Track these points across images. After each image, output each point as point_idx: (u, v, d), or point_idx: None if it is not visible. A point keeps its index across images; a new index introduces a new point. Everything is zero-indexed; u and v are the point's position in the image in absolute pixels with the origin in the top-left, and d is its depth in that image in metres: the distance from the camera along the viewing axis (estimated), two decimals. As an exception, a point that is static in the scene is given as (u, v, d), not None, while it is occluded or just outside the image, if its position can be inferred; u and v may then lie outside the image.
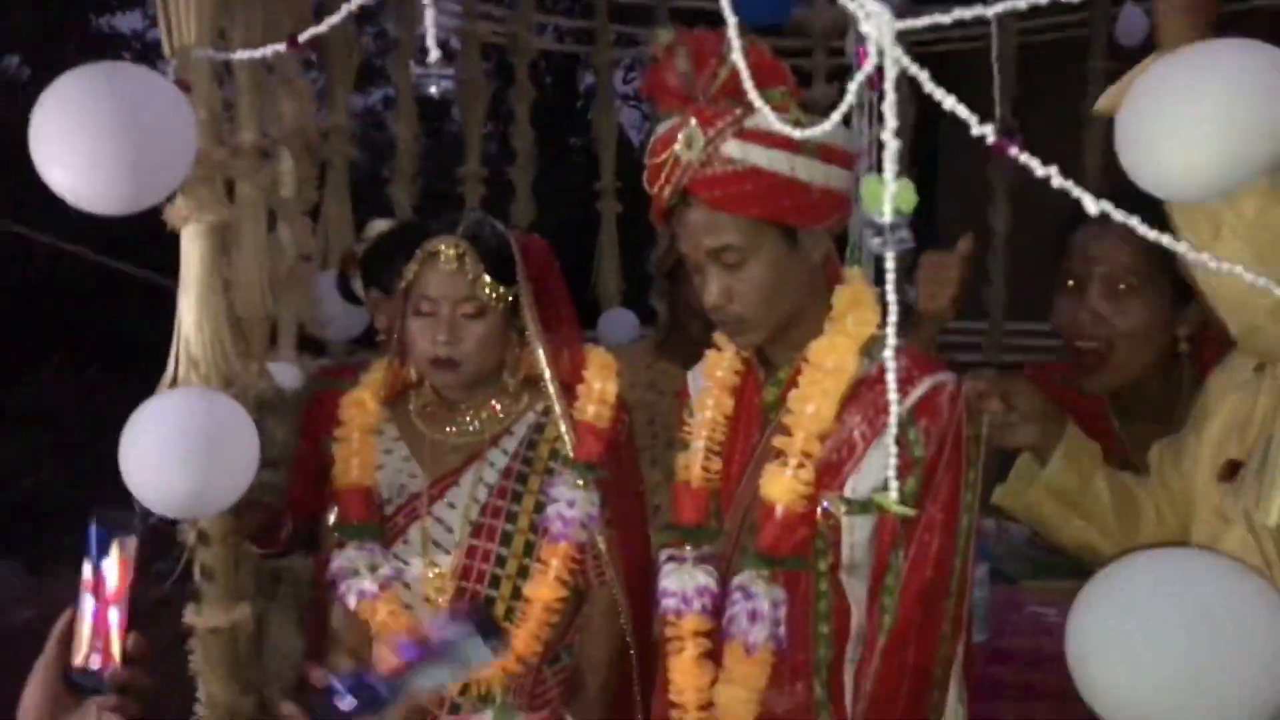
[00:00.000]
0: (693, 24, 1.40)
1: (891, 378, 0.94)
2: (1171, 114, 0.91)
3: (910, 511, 1.27)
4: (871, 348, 1.42)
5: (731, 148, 1.34)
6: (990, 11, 0.91)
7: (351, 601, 1.60)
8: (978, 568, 2.16)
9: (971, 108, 0.88)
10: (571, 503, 1.62)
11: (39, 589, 5.20)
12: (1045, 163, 0.85)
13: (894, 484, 0.98)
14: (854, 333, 1.42)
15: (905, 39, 0.85)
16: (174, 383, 1.53)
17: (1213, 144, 0.91)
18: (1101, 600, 0.93)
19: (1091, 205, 0.87)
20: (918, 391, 1.37)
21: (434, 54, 1.07)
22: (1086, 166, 3.95)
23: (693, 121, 1.35)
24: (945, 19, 0.92)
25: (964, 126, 0.87)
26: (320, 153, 2.86)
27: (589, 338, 3.96)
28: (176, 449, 1.38)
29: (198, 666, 1.60)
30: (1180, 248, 0.90)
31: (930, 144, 5.04)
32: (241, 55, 1.55)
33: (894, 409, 0.97)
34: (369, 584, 1.60)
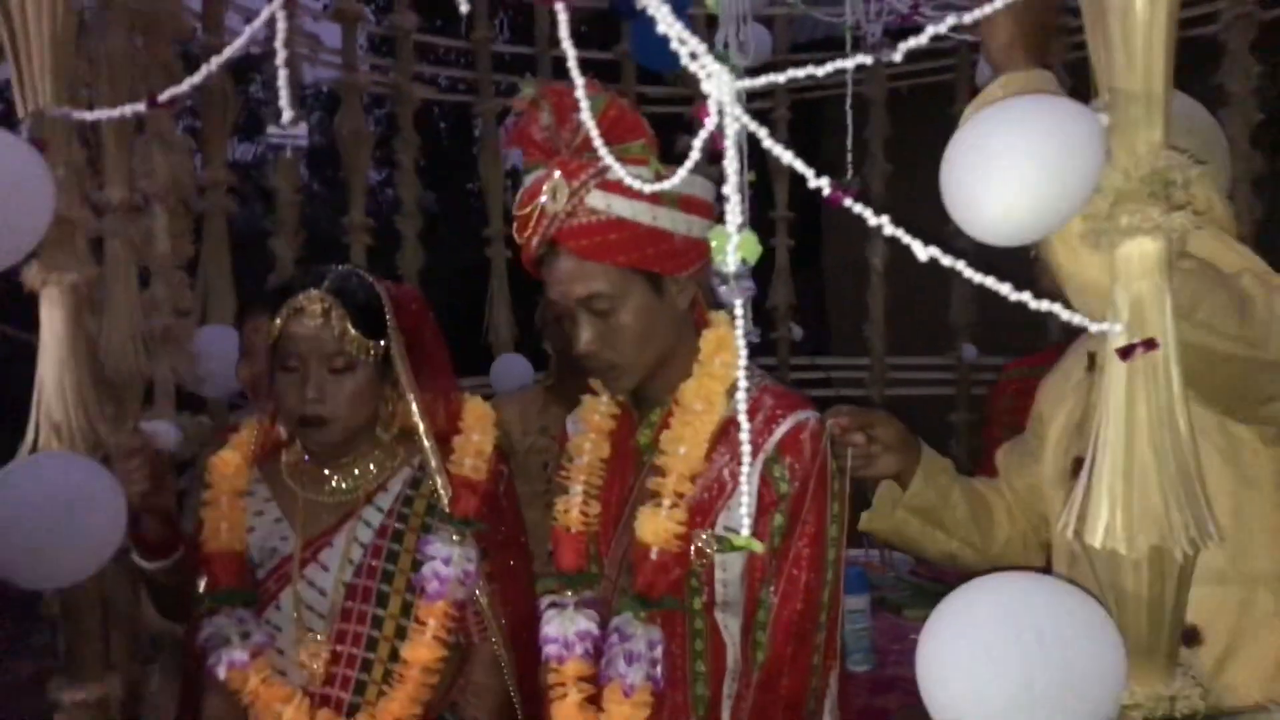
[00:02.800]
0: (580, 73, 1.43)
1: (744, 420, 0.97)
2: (984, 168, 0.98)
3: (758, 546, 1.30)
4: (737, 387, 1.46)
5: (595, 199, 1.38)
6: (849, 64, 0.96)
7: (221, 672, 1.55)
8: (860, 598, 2.24)
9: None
10: (448, 560, 1.60)
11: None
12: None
13: (746, 521, 1.01)
14: (720, 374, 1.46)
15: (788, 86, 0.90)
16: (34, 448, 1.48)
17: (1028, 193, 0.97)
18: (946, 625, 0.98)
19: (920, 252, 0.93)
20: (782, 429, 1.42)
21: (287, 115, 1.08)
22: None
23: (557, 174, 1.39)
24: (779, 78, 0.98)
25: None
26: (197, 206, 2.83)
27: (482, 384, 4.00)
28: (36, 517, 1.34)
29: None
30: (1004, 290, 0.95)
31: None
32: (98, 115, 1.52)
33: (745, 450, 1.00)
34: (239, 653, 1.55)
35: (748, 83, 0.95)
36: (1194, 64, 3.75)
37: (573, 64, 1.00)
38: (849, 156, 2.55)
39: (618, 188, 1.38)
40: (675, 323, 1.47)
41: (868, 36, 2.73)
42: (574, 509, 1.52)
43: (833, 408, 1.50)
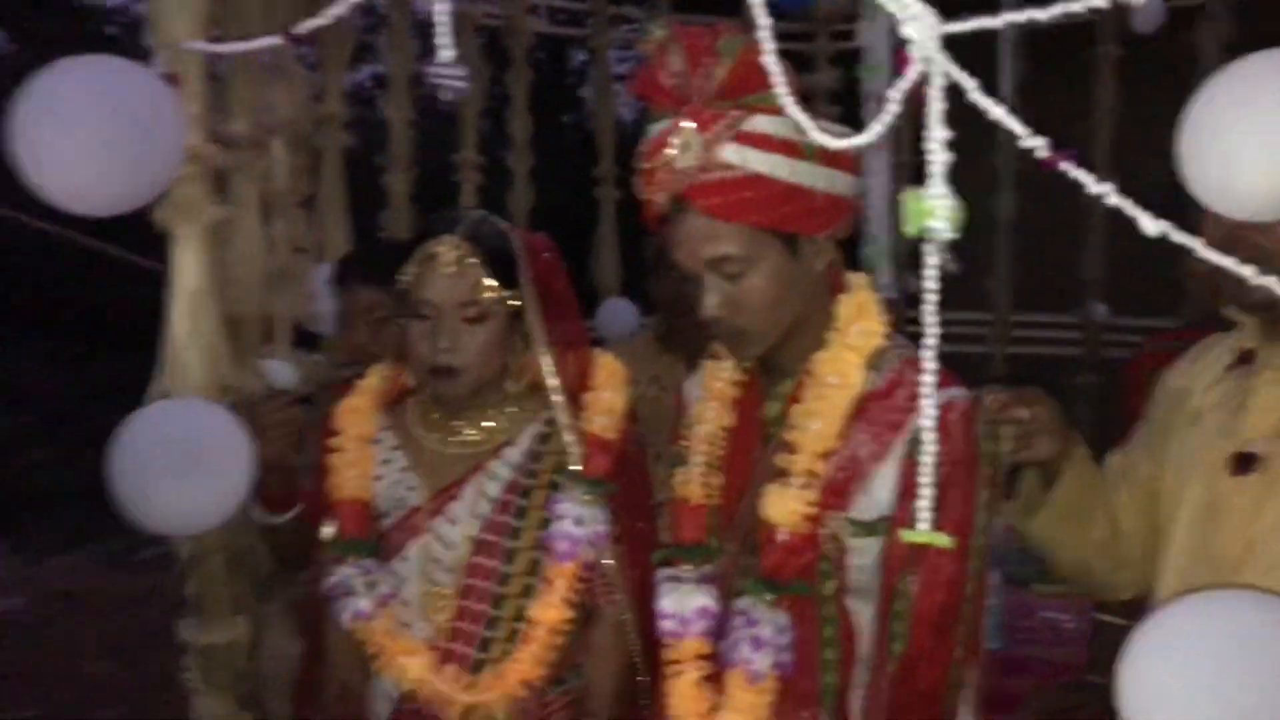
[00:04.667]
0: (691, 9, 1.33)
1: (928, 415, 0.89)
2: (1244, 130, 0.86)
3: (944, 540, 1.20)
4: (878, 361, 1.38)
5: (729, 152, 1.28)
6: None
7: (347, 621, 1.55)
8: (989, 575, 2.14)
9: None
10: (579, 520, 1.57)
11: (26, 576, 5.17)
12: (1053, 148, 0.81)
13: (926, 514, 0.94)
14: (859, 345, 1.38)
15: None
16: (163, 393, 1.48)
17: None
18: (1154, 652, 0.89)
19: (1150, 226, 0.83)
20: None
21: (446, 53, 1.01)
22: (1094, 154, 3.88)
23: (688, 125, 1.29)
24: (995, 22, 0.88)
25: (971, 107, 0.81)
26: (314, 141, 2.81)
27: (587, 329, 3.95)
28: (167, 464, 1.34)
29: (196, 685, 1.56)
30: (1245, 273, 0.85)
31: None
32: (234, 48, 1.49)
33: (928, 435, 0.92)
34: (366, 603, 1.55)
35: (956, 26, 0.84)
36: None
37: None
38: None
39: (754, 139, 1.28)
40: (810, 287, 1.37)
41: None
42: (694, 480, 1.45)
43: (987, 386, 1.40)
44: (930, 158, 0.83)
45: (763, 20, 0.88)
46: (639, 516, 1.69)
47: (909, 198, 0.84)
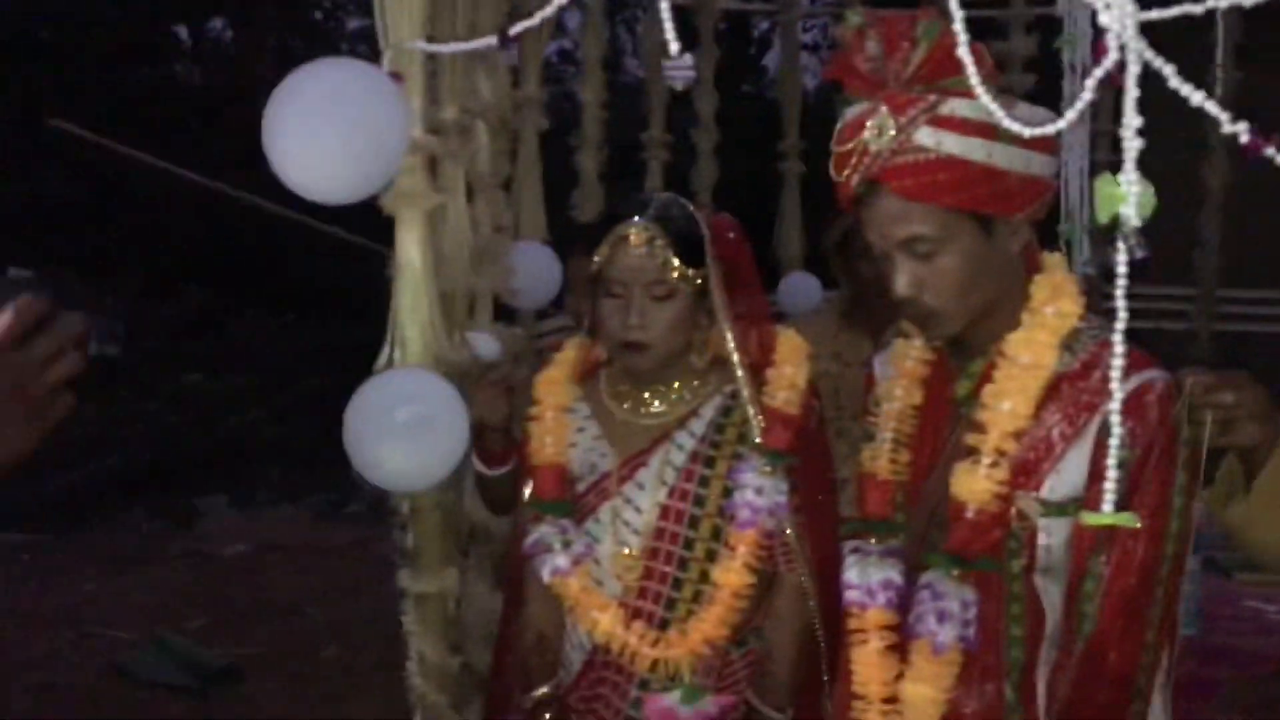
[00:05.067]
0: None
1: (1116, 399, 0.90)
2: None
3: (1132, 520, 1.19)
4: (1073, 341, 1.38)
5: (924, 135, 1.30)
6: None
7: (546, 576, 1.67)
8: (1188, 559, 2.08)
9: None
10: (759, 490, 1.64)
11: (244, 528, 5.62)
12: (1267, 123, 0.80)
13: (1111, 497, 0.95)
14: (1054, 325, 1.38)
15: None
16: (389, 363, 1.62)
17: None
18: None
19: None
20: (1126, 388, 1.31)
21: (674, 46, 1.08)
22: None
23: (884, 109, 1.32)
24: (1196, 8, 0.88)
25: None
26: (512, 125, 2.95)
27: (770, 303, 3.99)
28: (398, 432, 1.48)
29: (411, 628, 1.71)
30: None
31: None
32: (453, 48, 1.61)
33: (1115, 413, 0.93)
34: (563, 560, 1.67)
35: (1154, 14, 0.85)
36: None
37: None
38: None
39: (950, 123, 1.30)
40: (1004, 268, 1.38)
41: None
42: (883, 456, 1.49)
43: (1188, 367, 1.38)
44: (1125, 144, 0.85)
45: (957, 10, 0.90)
46: (819, 489, 1.76)
47: (1102, 183, 0.86)
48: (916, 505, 1.48)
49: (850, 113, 1.37)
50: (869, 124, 1.33)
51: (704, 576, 1.67)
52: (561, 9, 1.50)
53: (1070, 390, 1.36)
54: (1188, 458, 1.32)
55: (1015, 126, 1.04)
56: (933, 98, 1.31)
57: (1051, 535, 1.35)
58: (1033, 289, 1.40)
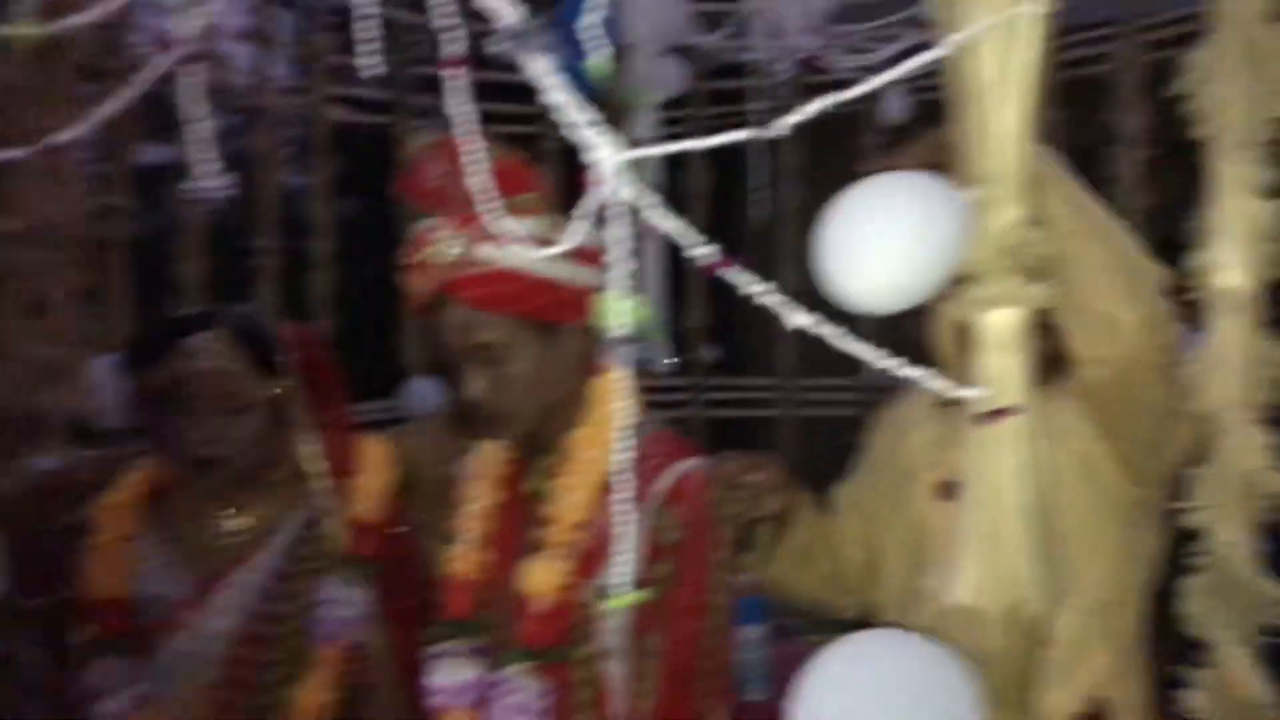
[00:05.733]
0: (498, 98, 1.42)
1: (621, 474, 0.99)
2: (854, 240, 1.02)
3: (642, 596, 1.33)
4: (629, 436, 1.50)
5: (487, 249, 1.40)
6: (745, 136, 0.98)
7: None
8: (757, 628, 2.28)
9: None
10: (342, 603, 1.61)
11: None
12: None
13: (623, 577, 1.03)
14: (610, 422, 1.49)
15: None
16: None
17: (895, 265, 1.01)
18: (814, 688, 1.00)
19: (791, 320, 0.97)
20: (669, 477, 1.45)
21: (207, 180, 1.07)
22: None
23: (448, 224, 1.40)
24: (676, 147, 1.00)
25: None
26: (98, 232, 2.77)
27: (393, 408, 3.96)
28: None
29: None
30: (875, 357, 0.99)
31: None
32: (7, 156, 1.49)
33: (620, 502, 1.01)
34: (121, 703, 1.54)
35: (638, 152, 0.97)
36: (1087, 102, 3.92)
37: (460, 121, 1.00)
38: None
39: (511, 238, 1.40)
40: (568, 370, 1.49)
41: (777, 74, 2.78)
42: (464, 557, 1.53)
43: (721, 455, 1.54)
44: (613, 268, 0.93)
45: (557, 100, 0.97)
46: (407, 596, 1.74)
47: (603, 299, 0.95)
48: (498, 603, 1.52)
49: (418, 228, 1.45)
50: (434, 239, 1.41)
51: (286, 700, 1.60)
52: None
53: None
54: (724, 536, 1.47)
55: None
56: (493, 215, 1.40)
57: (613, 620, 1.43)
58: (595, 388, 1.51)
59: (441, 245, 1.41)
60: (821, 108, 0.96)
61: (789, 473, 1.60)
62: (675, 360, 2.82)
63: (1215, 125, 1.01)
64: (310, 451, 1.67)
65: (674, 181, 4.42)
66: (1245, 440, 1.06)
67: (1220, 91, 1.01)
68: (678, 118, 4.44)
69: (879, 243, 1.01)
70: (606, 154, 0.92)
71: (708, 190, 4.43)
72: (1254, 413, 1.07)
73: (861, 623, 1.73)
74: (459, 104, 0.95)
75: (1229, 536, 1.05)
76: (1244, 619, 1.05)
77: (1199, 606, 1.06)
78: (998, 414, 1.01)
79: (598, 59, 0.89)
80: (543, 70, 0.90)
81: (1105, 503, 1.48)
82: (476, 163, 1.00)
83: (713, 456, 1.53)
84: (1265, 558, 1.06)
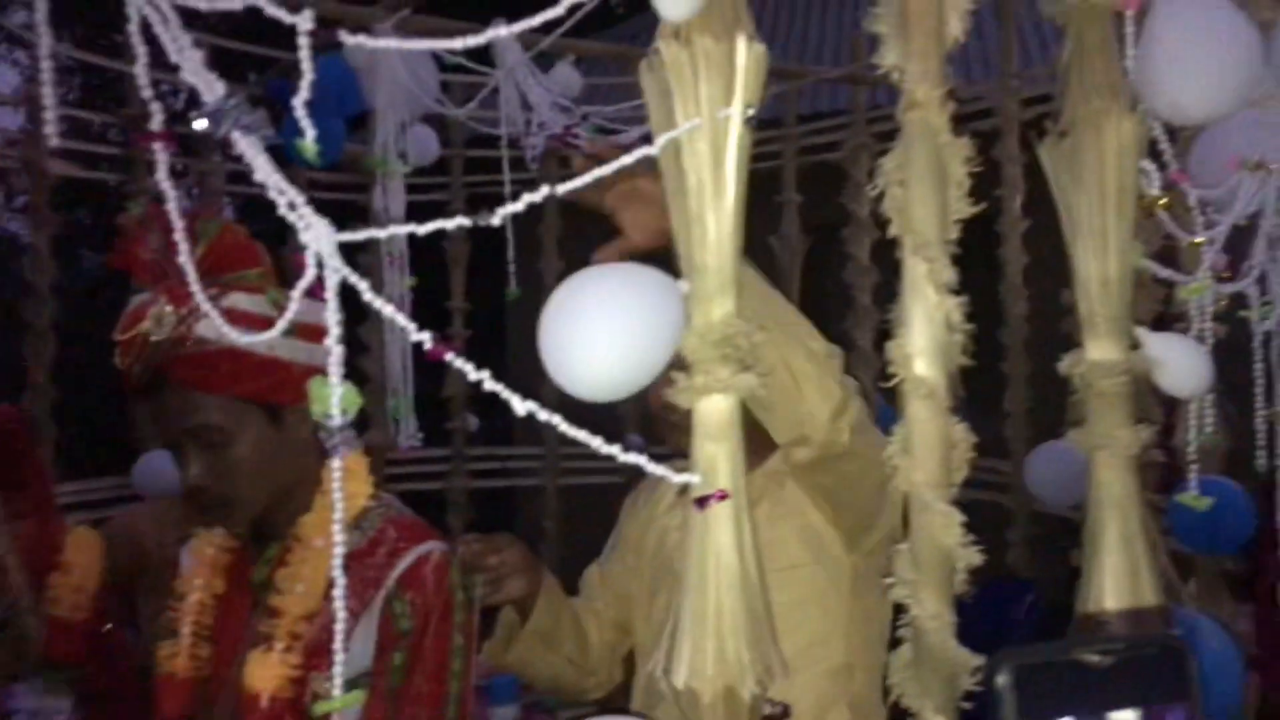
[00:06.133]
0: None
1: (339, 576, 0.94)
2: (574, 329, 1.03)
3: (355, 699, 1.27)
4: (362, 520, 1.44)
5: (205, 327, 1.32)
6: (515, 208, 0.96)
7: None
8: (509, 708, 2.24)
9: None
10: (34, 713, 1.47)
11: None
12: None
13: (338, 681, 0.98)
14: (345, 506, 1.43)
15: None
16: None
17: (614, 353, 1.03)
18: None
19: (519, 407, 0.96)
20: (404, 563, 1.40)
21: None
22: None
23: (163, 300, 1.32)
24: (382, 233, 0.98)
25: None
26: None
27: (123, 485, 3.68)
28: None
29: None
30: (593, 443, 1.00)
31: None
32: None
33: (339, 605, 0.97)
34: None
35: (346, 235, 0.94)
36: (824, 186, 4.19)
37: (170, 194, 0.95)
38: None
39: (231, 316, 1.33)
40: (296, 454, 1.43)
41: (527, 150, 2.82)
42: (181, 653, 1.42)
43: (462, 537, 1.52)
44: (333, 352, 0.90)
45: (174, 208, 0.92)
46: (115, 700, 1.61)
47: (314, 384, 0.91)
48: (220, 703, 1.43)
49: (134, 302, 1.36)
50: (149, 314, 1.32)
51: None
52: None
53: (359, 568, 1.41)
54: (464, 621, 1.43)
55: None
56: (214, 290, 1.33)
57: (346, 714, 1.37)
58: (325, 472, 1.45)
59: (154, 321, 1.33)
60: (573, 187, 0.98)
61: (532, 553, 1.59)
62: (421, 435, 2.77)
63: (904, 225, 1.09)
64: (3, 543, 1.51)
65: (438, 249, 4.41)
66: (941, 518, 1.13)
67: (908, 194, 1.09)
68: (435, 184, 4.43)
69: (597, 333, 1.02)
70: (320, 234, 0.90)
71: (466, 259, 4.43)
72: (947, 491, 1.15)
73: (609, 704, 1.74)
74: (165, 178, 0.90)
75: (927, 609, 1.12)
76: (943, 688, 1.11)
77: (901, 676, 1.12)
78: (710, 498, 1.04)
79: (305, 141, 0.86)
80: (248, 148, 0.87)
81: (831, 572, 1.56)
82: (184, 238, 0.95)
83: (459, 536, 1.51)
84: (960, 629, 1.12)
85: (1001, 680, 0.62)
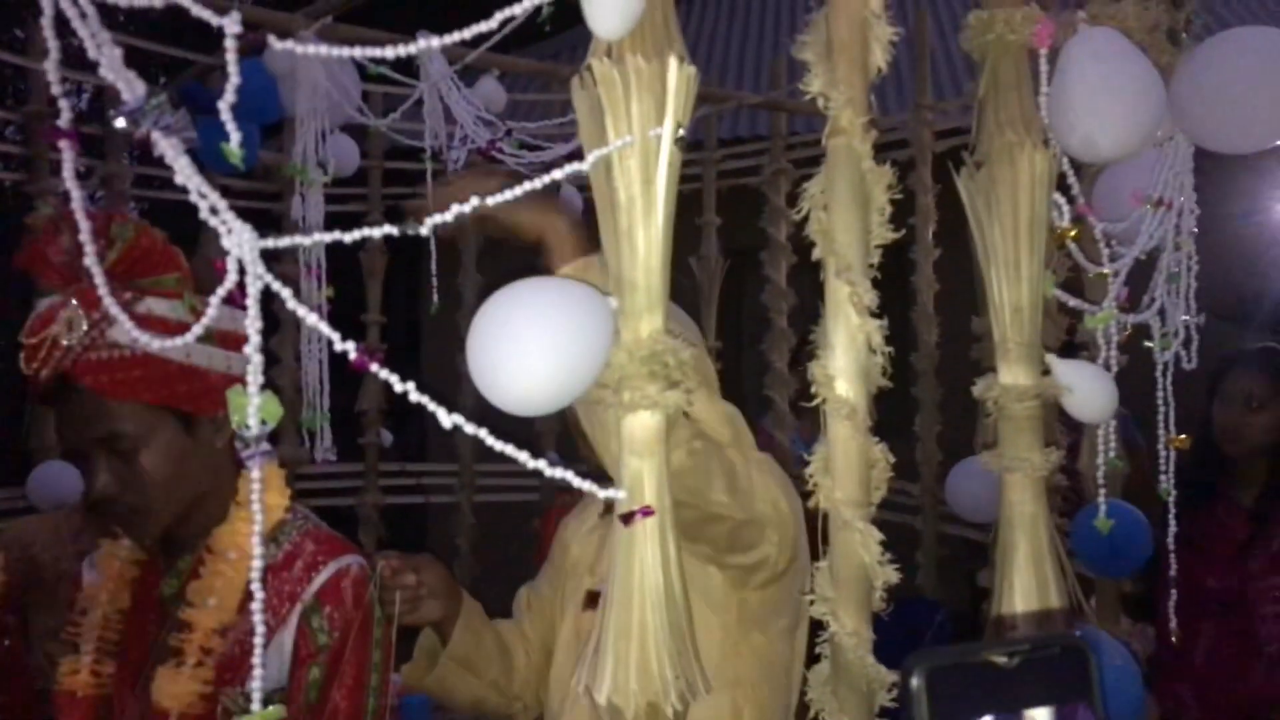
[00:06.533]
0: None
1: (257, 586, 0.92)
2: (505, 343, 1.03)
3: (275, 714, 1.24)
4: (279, 532, 1.42)
5: (118, 332, 1.29)
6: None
7: None
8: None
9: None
10: None
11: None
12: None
13: (257, 697, 0.96)
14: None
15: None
16: None
17: (544, 368, 1.03)
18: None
19: (445, 420, 0.95)
20: (321, 577, 1.38)
21: None
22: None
23: (74, 303, 1.28)
24: (306, 240, 0.97)
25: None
26: None
27: (19, 496, 3.54)
28: None
29: None
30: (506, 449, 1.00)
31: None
32: None
33: (257, 617, 0.95)
34: None
35: (269, 242, 0.93)
36: (743, 209, 4.24)
37: (75, 194, 0.92)
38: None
39: (145, 321, 1.29)
40: (210, 463, 1.39)
41: (449, 163, 2.80)
42: (84, 670, 1.38)
43: (380, 552, 1.50)
44: (252, 360, 0.89)
45: (75, 194, 0.90)
46: (10, 717, 1.55)
47: (233, 394, 0.90)
48: (126, 718, 1.38)
49: (42, 305, 1.31)
50: (59, 317, 1.28)
51: None
52: None
53: (275, 581, 1.38)
54: (381, 637, 1.41)
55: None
56: (128, 295, 1.30)
57: (256, 732, 1.33)
58: (240, 482, 1.42)
59: (65, 325, 1.29)
60: (500, 199, 0.98)
61: (451, 577, 1.56)
62: (335, 448, 2.72)
63: (827, 248, 1.11)
64: (-107, 557, 1.45)
65: (353, 260, 4.36)
66: (860, 535, 1.15)
67: (832, 219, 1.11)
68: (353, 195, 4.37)
69: (529, 347, 1.02)
70: (242, 240, 0.89)
71: (384, 271, 4.38)
72: (866, 510, 1.17)
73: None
74: (71, 177, 0.88)
75: (846, 626, 1.13)
76: (860, 704, 1.13)
77: (819, 692, 1.13)
78: (637, 513, 1.04)
79: (230, 145, 0.85)
80: (169, 149, 0.85)
81: (707, 591, 1.51)
82: (91, 239, 0.92)
83: (373, 552, 1.48)
84: (877, 645, 1.14)
85: (915, 682, 0.63)
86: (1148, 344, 1.62)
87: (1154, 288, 1.65)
